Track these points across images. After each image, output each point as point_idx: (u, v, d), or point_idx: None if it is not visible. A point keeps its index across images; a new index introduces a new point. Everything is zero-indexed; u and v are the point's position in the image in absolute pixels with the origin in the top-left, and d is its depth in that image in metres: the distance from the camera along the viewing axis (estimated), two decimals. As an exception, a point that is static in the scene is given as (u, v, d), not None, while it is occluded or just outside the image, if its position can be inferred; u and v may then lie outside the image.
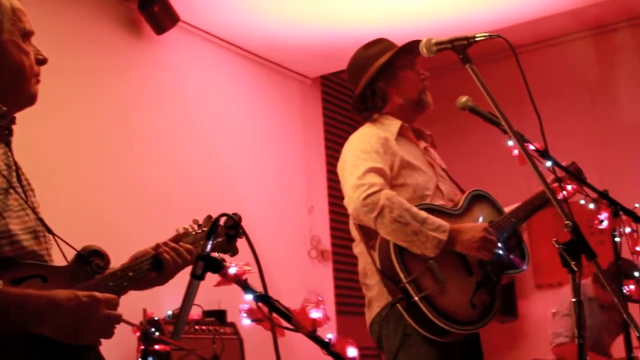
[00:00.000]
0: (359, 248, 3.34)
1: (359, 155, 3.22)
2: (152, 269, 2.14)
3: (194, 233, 2.28)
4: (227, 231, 2.17)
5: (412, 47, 3.23)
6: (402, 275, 3.02)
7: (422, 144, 3.52)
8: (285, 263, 6.28)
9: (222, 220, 2.08)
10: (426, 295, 3.00)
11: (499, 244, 3.22)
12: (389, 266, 3.08)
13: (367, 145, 3.25)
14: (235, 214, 2.07)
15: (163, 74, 5.60)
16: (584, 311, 2.33)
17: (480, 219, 3.33)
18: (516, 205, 3.47)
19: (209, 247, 1.83)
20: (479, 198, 3.43)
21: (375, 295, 3.25)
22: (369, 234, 3.23)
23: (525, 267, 3.38)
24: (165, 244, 2.21)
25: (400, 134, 3.38)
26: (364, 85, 3.44)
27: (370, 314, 3.30)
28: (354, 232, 3.36)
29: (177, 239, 2.27)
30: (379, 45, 3.48)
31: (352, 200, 3.11)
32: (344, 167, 3.29)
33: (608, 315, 5.70)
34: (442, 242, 3.07)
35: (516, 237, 3.40)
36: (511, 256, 3.31)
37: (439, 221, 3.10)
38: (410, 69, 3.44)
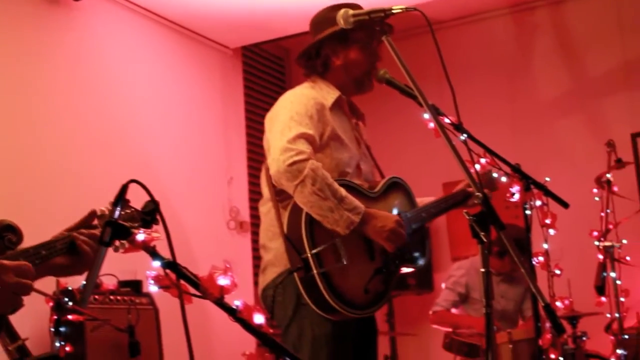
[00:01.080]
0: (266, 207, 3.29)
1: (293, 117, 3.15)
2: (66, 250, 2.10)
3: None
4: (143, 216, 2.15)
5: (372, 25, 2.87)
6: (307, 246, 2.99)
7: (353, 120, 3.50)
8: (204, 234, 6.26)
9: (141, 206, 2.05)
10: (325, 272, 2.99)
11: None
12: (296, 233, 3.05)
13: (302, 108, 3.18)
14: (153, 200, 2.02)
15: (80, 41, 5.48)
16: (482, 282, 2.38)
17: (395, 209, 3.32)
18: (429, 199, 3.50)
19: (116, 213, 1.81)
20: (396, 186, 3.42)
21: (272, 260, 3.22)
22: (280, 194, 3.19)
23: (422, 263, 3.38)
24: (81, 232, 2.16)
25: (336, 104, 3.34)
26: (311, 45, 3.38)
27: (264, 279, 3.26)
28: (264, 189, 3.31)
29: (90, 217, 2.22)
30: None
31: (276, 162, 3.04)
32: (274, 122, 3.21)
33: (508, 284, 5.89)
34: (354, 223, 3.05)
35: (422, 232, 3.41)
36: (413, 249, 3.32)
37: (355, 202, 3.08)
38: (364, 47, 3.36)
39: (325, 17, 3.38)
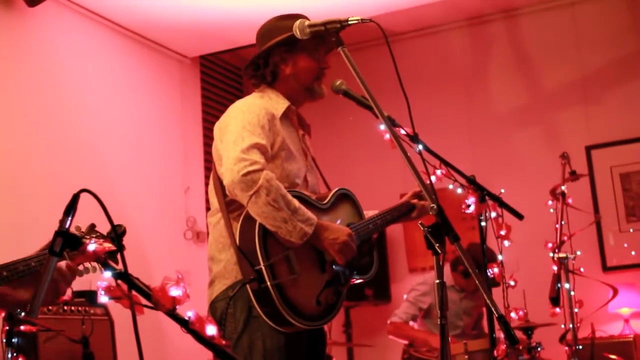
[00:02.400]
0: (215, 218, 3.26)
1: (245, 127, 3.11)
2: (29, 274, 2.08)
3: None
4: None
5: (325, 35, 2.85)
6: (260, 258, 2.97)
7: (301, 131, 3.47)
8: (160, 244, 6.22)
9: (104, 229, 2.02)
10: (278, 284, 2.97)
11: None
12: (249, 245, 3.02)
13: (254, 118, 3.15)
14: (119, 226, 1.99)
15: (35, 48, 5.42)
16: (438, 293, 2.39)
17: (343, 220, 3.32)
18: (375, 212, 3.49)
19: (68, 223, 1.79)
20: (344, 197, 3.42)
21: (222, 271, 3.19)
22: (231, 205, 3.17)
23: (370, 275, 3.38)
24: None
25: (285, 115, 3.31)
26: (260, 53, 3.34)
27: (213, 291, 3.22)
28: (213, 200, 3.28)
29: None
30: (294, 19, 3.11)
31: (230, 172, 2.99)
32: (225, 133, 3.17)
33: (469, 300, 5.93)
34: (307, 234, 3.04)
35: (369, 244, 3.40)
36: (361, 261, 3.32)
37: (308, 213, 3.07)
38: (312, 54, 3.34)
39: (273, 26, 3.37)
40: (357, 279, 3.31)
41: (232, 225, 3.14)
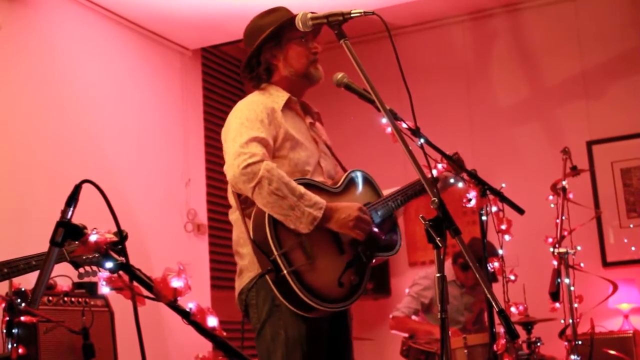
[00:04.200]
0: (234, 215, 3.31)
1: (244, 123, 3.17)
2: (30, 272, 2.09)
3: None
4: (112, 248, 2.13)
5: (331, 28, 2.91)
6: (273, 247, 3.00)
7: (308, 119, 3.49)
8: (161, 236, 6.22)
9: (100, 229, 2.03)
10: (295, 270, 3.00)
11: (374, 225, 3.21)
12: (261, 237, 3.05)
13: (252, 114, 3.20)
14: (122, 231, 1.99)
15: (37, 39, 5.42)
16: (441, 288, 2.39)
17: (360, 201, 3.30)
18: (394, 189, 3.49)
19: (69, 213, 1.79)
20: (358, 178, 3.42)
21: (247, 265, 3.23)
22: (246, 202, 3.20)
23: (395, 251, 3.39)
24: None
25: (287, 106, 3.34)
26: (251, 54, 3.39)
27: (240, 283, 3.27)
28: (231, 199, 3.31)
29: None
30: (273, 14, 3.40)
31: (231, 167, 3.05)
32: (228, 132, 3.23)
33: (470, 295, 5.93)
34: (316, 219, 3.06)
35: (391, 221, 3.41)
36: (383, 238, 3.31)
37: (315, 198, 3.09)
38: (299, 42, 3.38)
39: (256, 26, 3.43)
40: (380, 256, 3.31)
41: (246, 221, 3.19)
